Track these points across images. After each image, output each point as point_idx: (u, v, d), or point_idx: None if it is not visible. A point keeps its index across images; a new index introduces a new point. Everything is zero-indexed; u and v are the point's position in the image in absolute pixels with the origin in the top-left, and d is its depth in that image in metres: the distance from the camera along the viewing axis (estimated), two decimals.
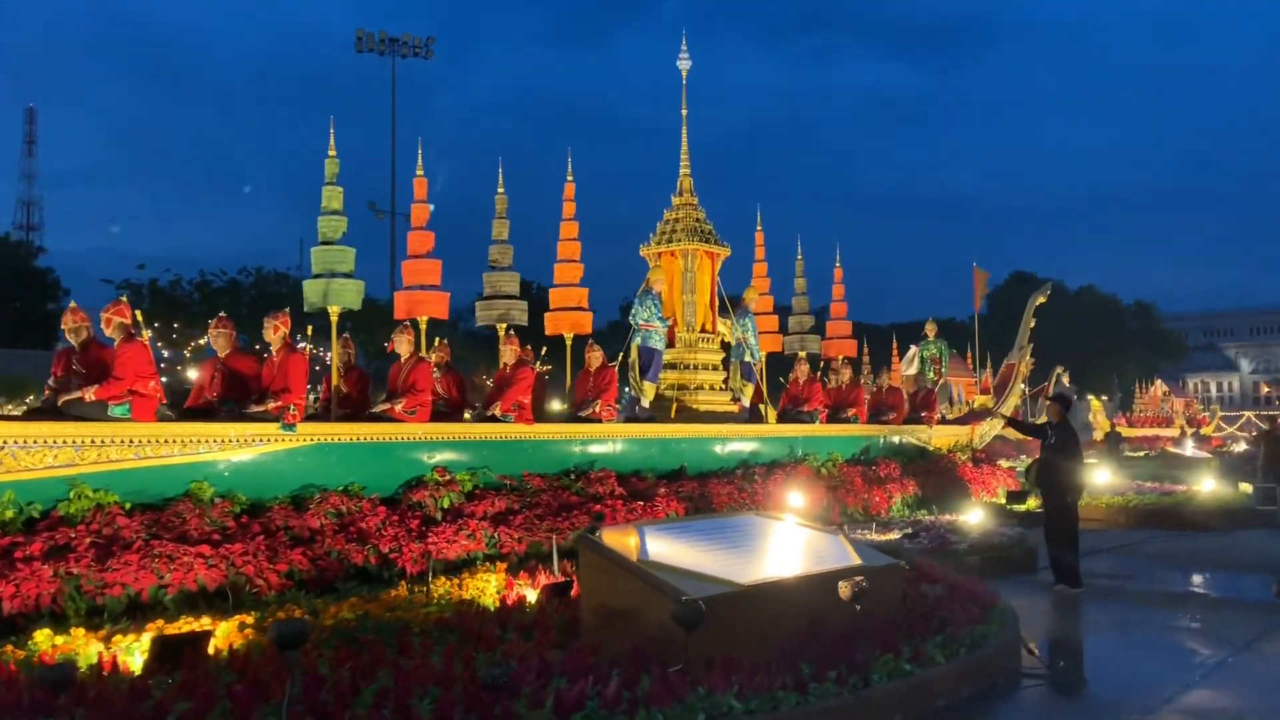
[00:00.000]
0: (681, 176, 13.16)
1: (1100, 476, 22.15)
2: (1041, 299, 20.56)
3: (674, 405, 12.43)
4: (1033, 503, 16.28)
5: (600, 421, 10.94)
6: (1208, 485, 19.55)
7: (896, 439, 15.84)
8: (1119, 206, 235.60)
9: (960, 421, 18.32)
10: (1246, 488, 18.73)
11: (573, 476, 10.40)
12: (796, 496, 12.30)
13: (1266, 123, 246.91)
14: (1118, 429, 41.86)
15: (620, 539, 5.74)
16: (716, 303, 13.24)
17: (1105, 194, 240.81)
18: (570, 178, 11.87)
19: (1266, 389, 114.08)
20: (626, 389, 12.66)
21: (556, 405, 16.79)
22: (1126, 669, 6.85)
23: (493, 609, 6.84)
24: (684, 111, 13.12)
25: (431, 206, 10.24)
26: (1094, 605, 8.97)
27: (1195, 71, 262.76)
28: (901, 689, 5.35)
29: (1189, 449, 28.22)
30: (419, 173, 10.58)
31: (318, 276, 9.23)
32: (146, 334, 7.92)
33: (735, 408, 13.29)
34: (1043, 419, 36.75)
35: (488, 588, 7.53)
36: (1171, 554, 12.23)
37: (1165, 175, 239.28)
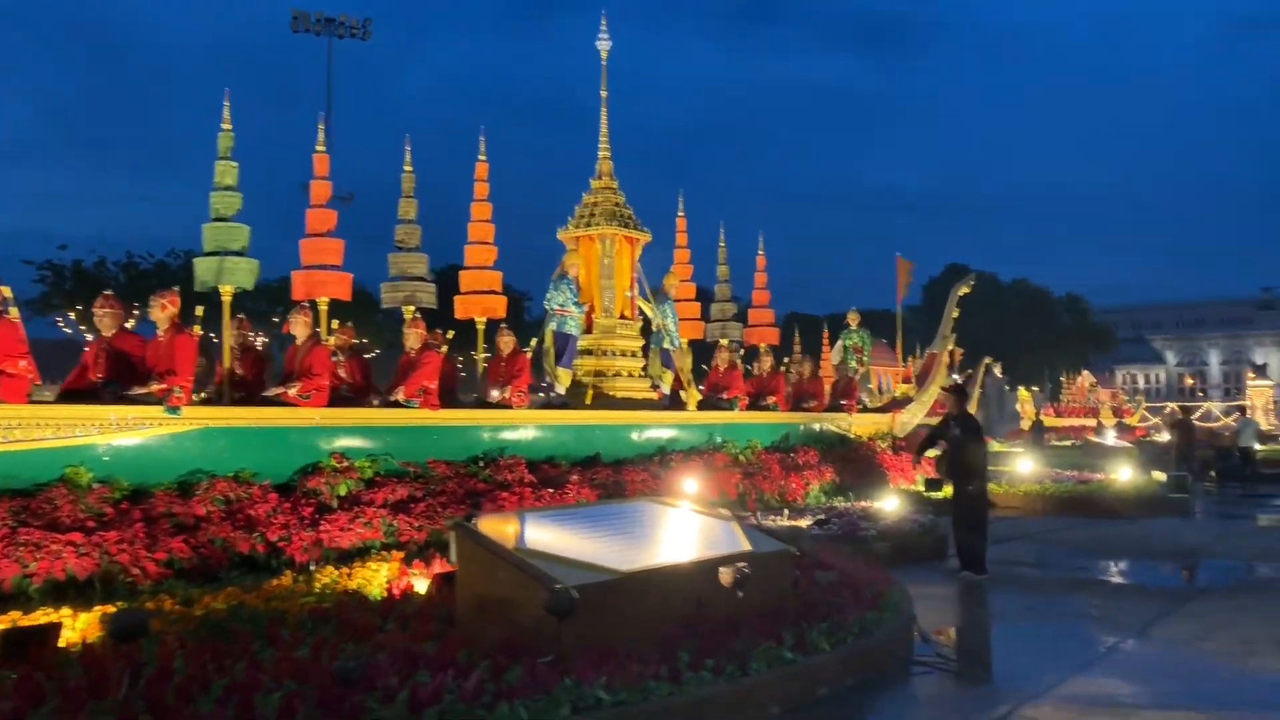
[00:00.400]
0: (600, 159, 12.96)
1: (1023, 465, 22.49)
2: (965, 289, 20.72)
3: (589, 391, 12.25)
4: (948, 490, 16.42)
5: (511, 408, 10.73)
6: (1124, 474, 19.92)
7: (817, 427, 15.85)
8: (1054, 202, 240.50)
9: (882, 410, 18.42)
10: (1160, 476, 19.13)
11: (481, 464, 10.18)
12: (712, 483, 12.24)
13: (1198, 123, 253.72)
14: (1042, 419, 42.67)
15: (499, 527, 5.55)
16: (636, 289, 13.08)
17: (1041, 189, 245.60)
18: (482, 157, 11.60)
19: (1190, 381, 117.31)
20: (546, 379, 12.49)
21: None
22: (1018, 655, 6.85)
23: (377, 599, 6.62)
24: (603, 93, 12.91)
25: (332, 184, 9.92)
26: (997, 592, 9.00)
27: (1131, 72, 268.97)
28: (781, 677, 5.24)
29: (1110, 439, 28.82)
30: (319, 148, 10.24)
31: (210, 254, 8.89)
32: (14, 311, 7.52)
33: (654, 395, 13.16)
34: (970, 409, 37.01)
35: (376, 577, 7.30)
36: (1081, 541, 12.37)
37: (1100, 172, 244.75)
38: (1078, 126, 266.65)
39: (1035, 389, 61.89)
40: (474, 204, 11.57)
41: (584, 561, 5.34)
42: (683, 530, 6.34)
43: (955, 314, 20.72)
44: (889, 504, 13.24)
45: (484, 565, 5.40)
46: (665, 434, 12.80)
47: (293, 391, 8.88)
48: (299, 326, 9.17)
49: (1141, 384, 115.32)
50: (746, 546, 6.24)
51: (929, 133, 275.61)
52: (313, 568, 7.53)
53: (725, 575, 5.40)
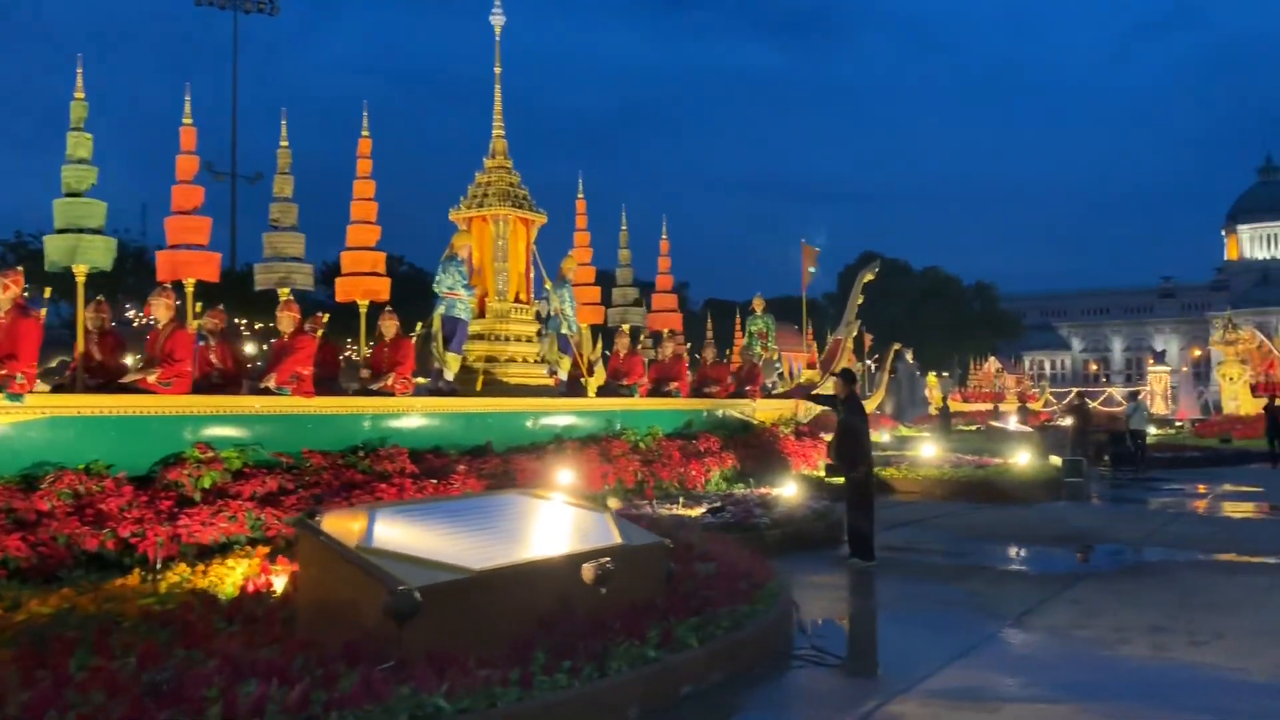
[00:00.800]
0: (495, 138, 12.57)
1: (926, 450, 22.78)
2: (869, 276, 20.81)
3: (480, 378, 11.89)
4: None
5: (394, 395, 10.33)
6: (1022, 459, 20.29)
7: (720, 413, 15.74)
8: (967, 192, 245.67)
9: (786, 395, 18.40)
10: (1056, 461, 19.50)
11: (360, 454, 9.77)
12: (609, 471, 12.02)
13: (1104, 118, 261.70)
14: (949, 404, 43.53)
15: (345, 524, 5.21)
16: (532, 271, 12.75)
17: (955, 179, 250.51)
18: (365, 133, 11.11)
19: (1095, 367, 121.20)
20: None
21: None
22: (894, 645, 6.76)
23: (227, 599, 6.23)
24: (497, 70, 12.51)
25: (199, 159, 9.36)
26: (884, 579, 8.94)
27: (1043, 64, 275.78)
28: (642, 677, 5.01)
29: (1012, 423, 29.35)
30: (186, 121, 9.66)
31: (62, 232, 8.30)
32: None
33: (551, 381, 12.86)
34: (879, 395, 37.50)
35: (231, 575, 6.88)
36: (974, 526, 12.46)
37: (1011, 164, 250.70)
38: (991, 118, 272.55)
39: (945, 375, 63.31)
40: (356, 181, 11.06)
41: (435, 560, 5.04)
42: (551, 524, 6.07)
43: (860, 300, 20.80)
44: (788, 490, 13.20)
45: (326, 565, 5.07)
46: (562, 421, 12.51)
47: (152, 378, 8.36)
48: (160, 309, 8.63)
49: (1048, 370, 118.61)
50: (617, 540, 6.00)
51: (847, 121, 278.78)
52: (158, 565, 7.07)
53: (587, 572, 5.15)
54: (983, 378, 50.33)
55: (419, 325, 11.31)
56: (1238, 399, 31.27)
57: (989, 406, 41.18)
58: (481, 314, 12.34)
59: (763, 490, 13.10)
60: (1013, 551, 10.53)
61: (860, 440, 9.76)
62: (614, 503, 8.75)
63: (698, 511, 10.86)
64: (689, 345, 20.77)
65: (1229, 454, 24.37)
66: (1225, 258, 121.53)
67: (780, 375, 31.29)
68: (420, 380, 11.42)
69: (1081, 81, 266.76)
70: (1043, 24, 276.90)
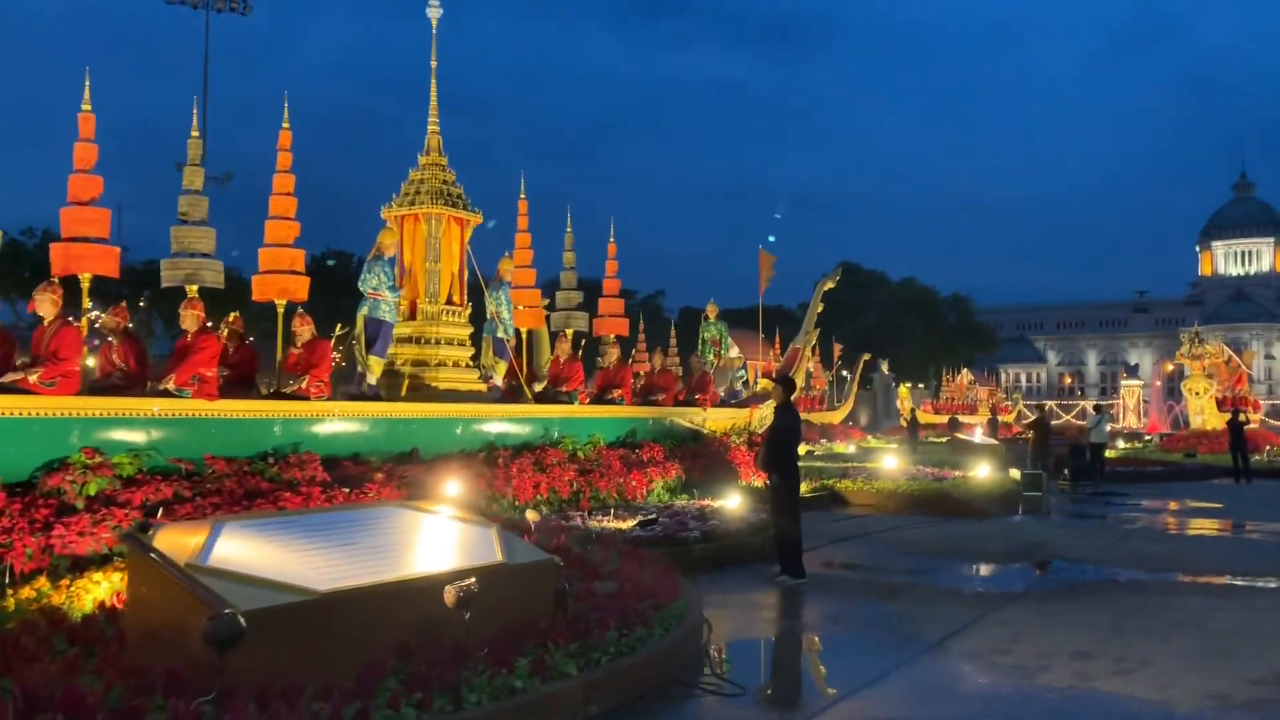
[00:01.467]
0: (429, 134, 12.11)
1: (889, 461, 22.46)
2: (830, 284, 20.45)
3: (405, 382, 11.42)
4: (801, 487, 16.13)
5: (308, 399, 9.85)
6: (983, 471, 19.98)
7: (668, 421, 15.31)
8: (946, 203, 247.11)
9: (740, 404, 18.00)
10: (1015, 474, 19.19)
11: (270, 460, 9.29)
12: (543, 481, 11.59)
13: (1082, 132, 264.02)
14: (918, 415, 43.30)
15: (182, 538, 4.76)
16: (466, 273, 12.29)
17: (934, 191, 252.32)
18: (285, 125, 10.64)
19: (1070, 380, 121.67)
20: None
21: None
22: (803, 672, 6.38)
23: (78, 618, 5.75)
24: (433, 64, 12.07)
25: (98, 147, 8.87)
26: (812, 597, 8.54)
27: (1020, 78, 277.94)
28: (504, 710, 4.58)
29: (978, 435, 29.10)
30: (85, 108, 9.15)
31: None
32: None
33: (483, 386, 12.39)
34: (848, 406, 37.00)
35: (94, 591, 6.39)
36: (920, 541, 12.09)
37: (989, 176, 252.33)
38: (968, 130, 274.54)
39: (921, 386, 63.16)
40: (276, 176, 10.58)
41: (277, 580, 4.58)
42: (427, 541, 5.62)
43: (820, 308, 20.46)
44: (732, 502, 12.81)
45: (154, 584, 4.61)
46: (495, 429, 12.05)
47: (34, 378, 7.85)
48: (45, 305, 8.13)
49: (1024, 382, 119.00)
50: (498, 558, 5.56)
51: (825, 132, 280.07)
52: (19, 579, 6.57)
53: (449, 594, 4.71)
54: (955, 389, 50.15)
55: (338, 327, 10.84)
56: (1204, 413, 31.11)
57: (969, 419, 40.95)
58: (412, 316, 11.88)
59: (705, 502, 12.70)
60: (953, 569, 10.14)
61: (784, 448, 9.35)
62: (533, 515, 8.25)
63: (631, 524, 10.43)
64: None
65: (1193, 469, 24.16)
66: (1199, 273, 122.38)
67: (745, 383, 30.97)
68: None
69: (1058, 95, 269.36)
70: (1020, 37, 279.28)
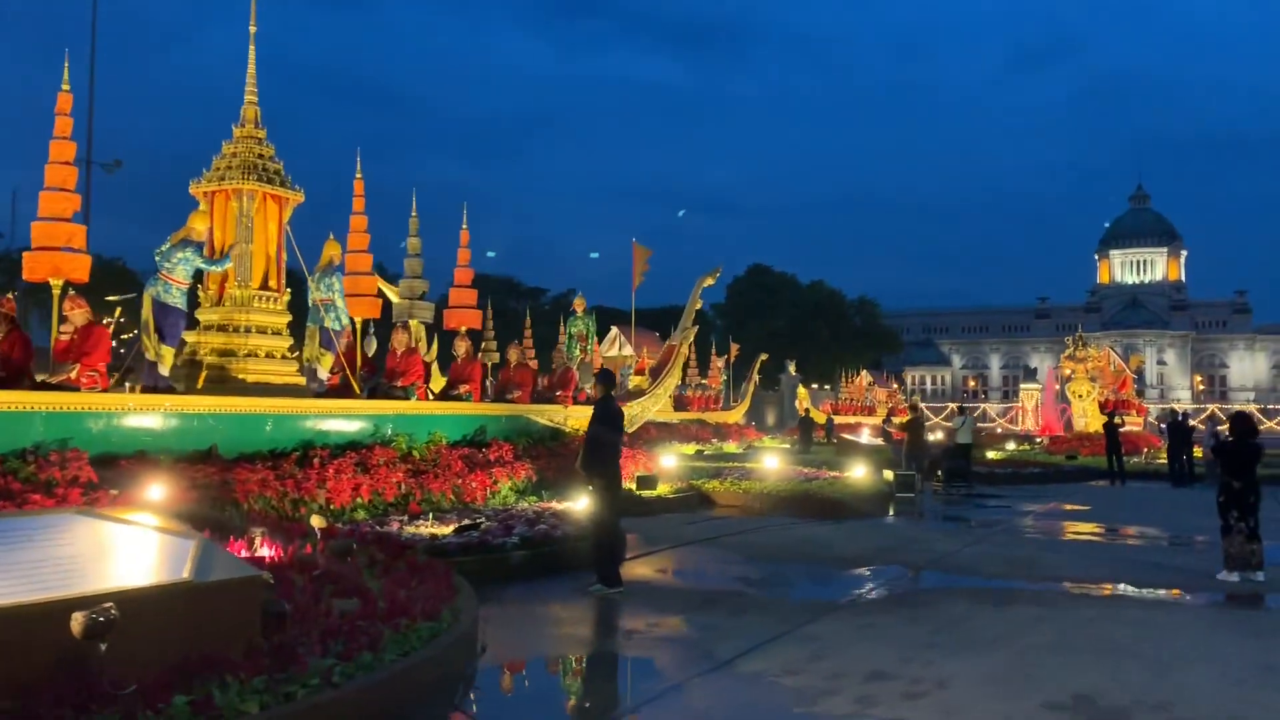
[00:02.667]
0: (246, 104, 11.10)
1: (769, 461, 22.03)
2: (709, 280, 19.93)
3: (203, 373, 10.42)
4: (664, 488, 15.52)
5: (78, 390, 8.83)
6: (859, 472, 19.66)
7: (525, 420, 14.54)
8: (860, 209, 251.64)
9: None
10: (889, 475, 18.90)
11: (28, 459, 8.28)
12: (364, 483, 10.72)
13: (987, 143, 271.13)
14: (812, 415, 43.24)
15: None
16: (284, 256, 11.32)
17: (848, 196, 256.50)
18: (65, 87, 9.52)
19: (973, 383, 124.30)
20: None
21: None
22: (572, 696, 5.65)
23: None
24: (252, 29, 11.07)
25: None
26: (623, 608, 7.83)
27: (931, 88, 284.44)
28: None
29: (865, 436, 28.98)
30: None
31: None
32: None
33: (302, 380, 11.45)
34: (744, 406, 36.52)
35: None
36: (769, 545, 11.54)
37: (901, 183, 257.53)
38: (881, 138, 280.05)
39: (827, 387, 63.44)
40: (53, 143, 9.48)
41: None
42: (101, 555, 4.76)
43: (699, 305, 19.96)
44: (581, 504, 12.14)
45: None
46: (314, 426, 11.14)
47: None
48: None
49: (929, 385, 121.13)
50: (184, 575, 4.72)
51: (742, 136, 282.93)
52: None
53: (76, 622, 3.88)
54: (854, 391, 50.37)
55: (118, 311, 9.81)
56: (1086, 416, 31.49)
57: (868, 420, 41.05)
58: (220, 301, 10.88)
59: (552, 505, 12.01)
60: (788, 575, 9.56)
61: (603, 448, 8.68)
62: (318, 521, 7.45)
63: (446, 530, 9.64)
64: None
65: (1071, 471, 24.26)
66: (1098, 280, 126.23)
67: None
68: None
69: (968, 106, 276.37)
70: (932, 49, 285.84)
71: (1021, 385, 75.81)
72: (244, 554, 6.23)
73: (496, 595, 7.74)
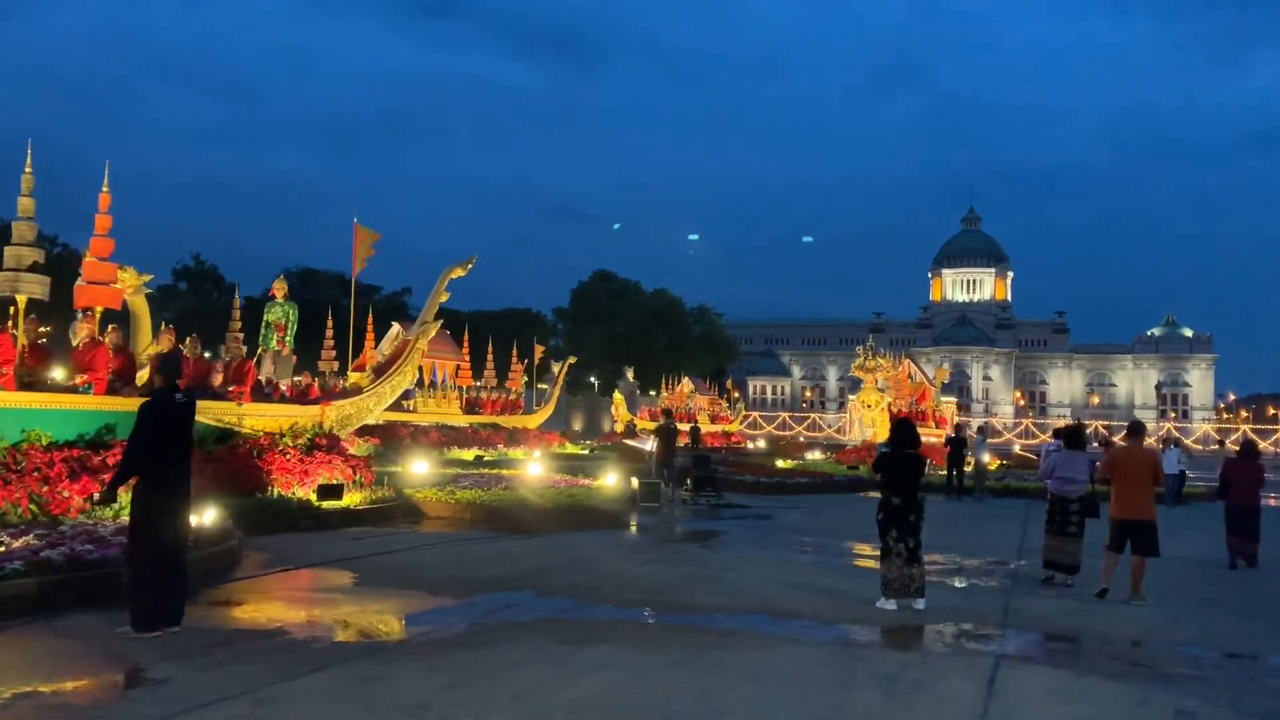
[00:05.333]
0: None
1: (533, 469, 20.61)
2: (459, 271, 18.26)
3: None
4: (356, 498, 13.82)
5: None
6: (609, 480, 18.46)
7: None
8: (710, 220, 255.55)
9: (303, 401, 15.49)
10: (635, 483, 17.73)
11: None
12: None
13: (836, 160, 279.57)
14: (636, 422, 42.21)
15: None
16: None
17: (700, 208, 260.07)
18: None
19: (811, 394, 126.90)
20: None
21: None
22: None
23: None
24: None
25: None
26: (122, 661, 6.10)
27: (783, 107, 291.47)
28: None
29: (648, 444, 27.88)
30: None
31: None
32: None
33: None
34: (548, 409, 34.91)
35: None
36: (417, 566, 10.11)
37: (752, 197, 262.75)
38: (734, 153, 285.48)
39: (653, 393, 62.64)
40: None
41: None
42: None
43: (444, 297, 18.25)
44: (209, 515, 10.43)
45: None
46: None
47: None
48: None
49: (770, 395, 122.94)
50: None
51: (597, 143, 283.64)
52: None
53: None
54: (675, 398, 49.60)
55: None
56: (874, 426, 31.31)
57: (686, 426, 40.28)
58: None
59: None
60: (378, 608, 7.99)
61: (149, 447, 6.93)
62: None
63: None
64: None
65: (841, 481, 23.71)
66: (930, 298, 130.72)
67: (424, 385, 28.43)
68: None
69: (817, 126, 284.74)
70: (786, 70, 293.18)
71: (849, 396, 77.22)
72: None
73: None
